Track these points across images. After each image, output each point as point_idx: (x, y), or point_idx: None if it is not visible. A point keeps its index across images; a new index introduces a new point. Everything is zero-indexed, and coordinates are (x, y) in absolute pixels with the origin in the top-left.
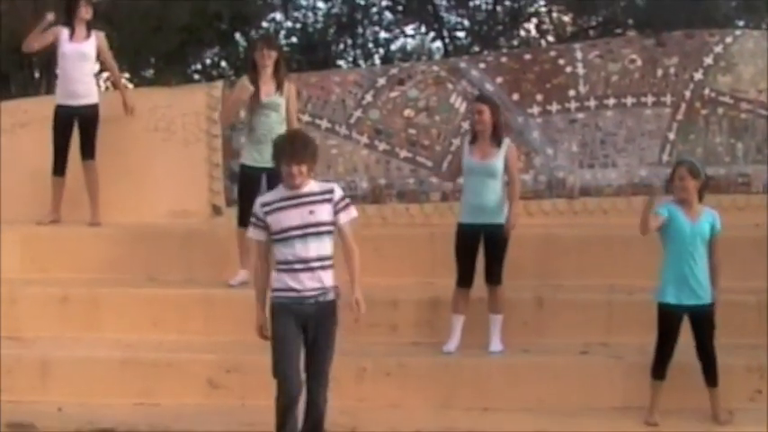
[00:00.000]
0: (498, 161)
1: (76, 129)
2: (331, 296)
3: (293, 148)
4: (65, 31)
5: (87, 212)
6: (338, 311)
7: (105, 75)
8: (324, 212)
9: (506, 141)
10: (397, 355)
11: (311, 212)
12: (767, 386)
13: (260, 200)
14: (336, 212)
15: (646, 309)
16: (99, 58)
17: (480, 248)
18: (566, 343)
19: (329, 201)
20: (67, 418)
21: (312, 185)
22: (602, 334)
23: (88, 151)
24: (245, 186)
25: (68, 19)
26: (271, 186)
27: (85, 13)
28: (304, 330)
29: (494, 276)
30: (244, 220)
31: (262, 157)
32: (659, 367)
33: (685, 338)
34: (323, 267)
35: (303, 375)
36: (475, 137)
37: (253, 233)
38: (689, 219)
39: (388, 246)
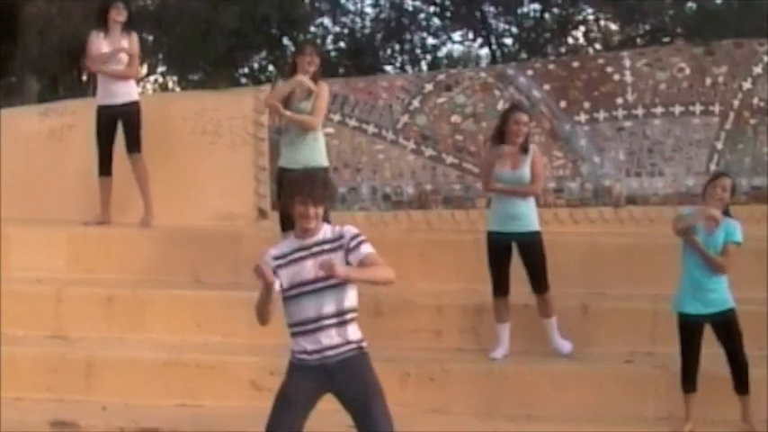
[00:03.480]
0: (527, 168)
1: (120, 128)
2: (356, 350)
3: (313, 186)
4: (100, 35)
5: (134, 215)
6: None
7: (152, 78)
8: (340, 260)
9: (532, 147)
10: (440, 360)
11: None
12: None
13: (271, 252)
14: (348, 254)
15: None
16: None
17: (516, 258)
18: (610, 352)
19: (341, 247)
20: (111, 417)
21: (326, 231)
22: (647, 343)
23: (133, 145)
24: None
25: (103, 22)
26: None
27: (117, 15)
28: (337, 395)
29: (539, 285)
30: (285, 225)
31: (294, 160)
32: (687, 379)
33: (714, 348)
34: (343, 323)
35: None
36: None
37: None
38: (706, 229)
39: (434, 251)
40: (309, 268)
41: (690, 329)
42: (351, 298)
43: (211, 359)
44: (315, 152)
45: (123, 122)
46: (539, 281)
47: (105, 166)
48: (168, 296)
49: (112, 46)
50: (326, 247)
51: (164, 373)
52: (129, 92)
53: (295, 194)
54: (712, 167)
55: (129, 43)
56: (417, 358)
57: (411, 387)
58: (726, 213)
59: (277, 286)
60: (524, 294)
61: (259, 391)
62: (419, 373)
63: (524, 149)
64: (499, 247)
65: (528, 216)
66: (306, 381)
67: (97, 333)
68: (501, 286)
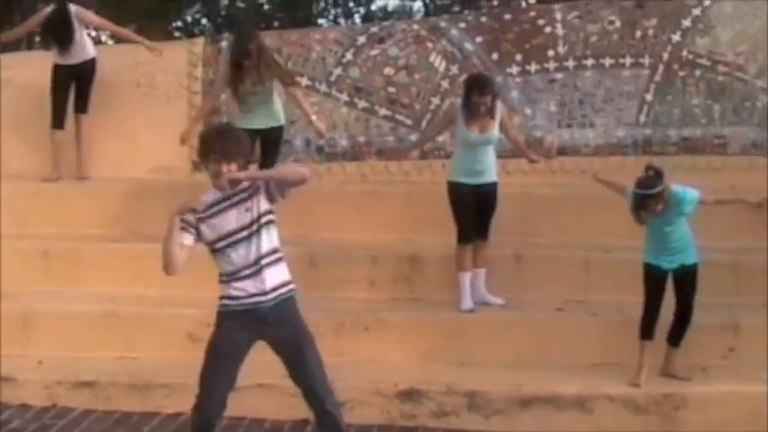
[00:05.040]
0: (495, 130)
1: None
2: (288, 293)
3: (225, 143)
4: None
5: (70, 169)
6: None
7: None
8: (260, 203)
9: (499, 106)
10: (375, 310)
11: (247, 210)
12: (739, 344)
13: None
14: (267, 187)
15: (622, 267)
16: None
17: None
18: (543, 300)
19: (258, 188)
20: (49, 370)
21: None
22: (579, 292)
23: (82, 105)
24: None
25: None
26: (264, 150)
27: None
28: (269, 342)
29: (486, 231)
30: None
31: (253, 122)
32: (647, 327)
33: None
34: (270, 264)
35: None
36: (467, 115)
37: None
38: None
39: (368, 203)
40: (232, 218)
41: (656, 279)
42: (273, 238)
43: (148, 311)
44: (275, 114)
45: (78, 79)
46: (487, 227)
47: (59, 120)
48: (105, 249)
49: None
50: (245, 195)
51: (101, 326)
52: (87, 50)
53: (209, 152)
54: (642, 119)
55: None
56: (352, 308)
57: (346, 337)
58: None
59: (190, 241)
60: (452, 246)
61: (196, 342)
62: (354, 323)
63: (492, 114)
64: (465, 196)
65: (492, 167)
66: (237, 331)
67: (34, 287)
68: (468, 234)
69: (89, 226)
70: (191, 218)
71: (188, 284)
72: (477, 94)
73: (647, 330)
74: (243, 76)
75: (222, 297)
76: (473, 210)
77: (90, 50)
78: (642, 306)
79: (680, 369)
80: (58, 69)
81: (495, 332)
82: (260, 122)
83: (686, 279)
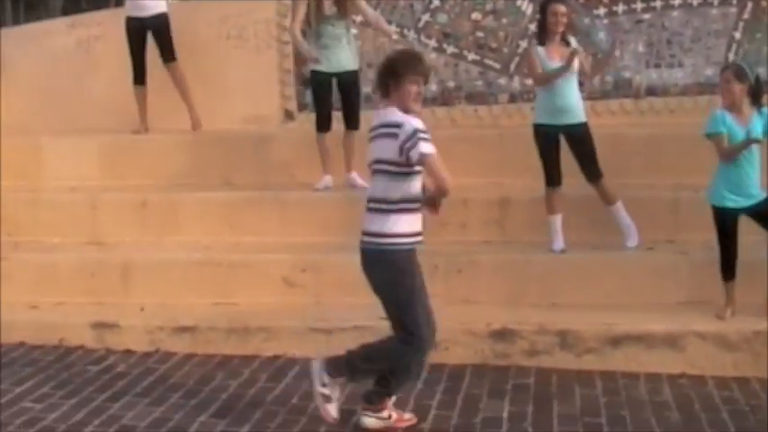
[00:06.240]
0: (575, 60)
1: (151, 39)
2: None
3: (423, 65)
4: None
5: (165, 121)
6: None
7: None
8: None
9: (573, 40)
10: (467, 252)
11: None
12: None
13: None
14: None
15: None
16: None
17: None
18: None
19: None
20: (150, 317)
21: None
22: (668, 231)
23: (168, 55)
24: (318, 92)
25: None
26: (343, 91)
27: None
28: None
29: (594, 173)
30: (321, 126)
31: (330, 63)
32: (726, 267)
33: (750, 237)
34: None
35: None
36: (543, 39)
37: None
38: (740, 124)
39: (458, 147)
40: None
41: (727, 222)
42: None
43: (244, 258)
44: (350, 56)
45: (153, 34)
46: (593, 169)
47: (139, 76)
48: (200, 199)
49: None
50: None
51: (198, 274)
52: (157, 3)
53: (409, 73)
54: (731, 57)
55: None
56: (445, 251)
57: (439, 279)
58: (757, 102)
59: None
60: (540, 189)
61: (291, 287)
62: (447, 266)
63: (566, 42)
64: (549, 139)
65: (576, 107)
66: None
67: (132, 237)
68: (555, 177)
69: (183, 177)
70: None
71: (282, 231)
72: (551, 3)
73: (725, 271)
74: None
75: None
76: (556, 151)
77: (162, 5)
78: (719, 249)
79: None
80: (129, 22)
81: (586, 272)
82: (336, 65)
83: (765, 214)
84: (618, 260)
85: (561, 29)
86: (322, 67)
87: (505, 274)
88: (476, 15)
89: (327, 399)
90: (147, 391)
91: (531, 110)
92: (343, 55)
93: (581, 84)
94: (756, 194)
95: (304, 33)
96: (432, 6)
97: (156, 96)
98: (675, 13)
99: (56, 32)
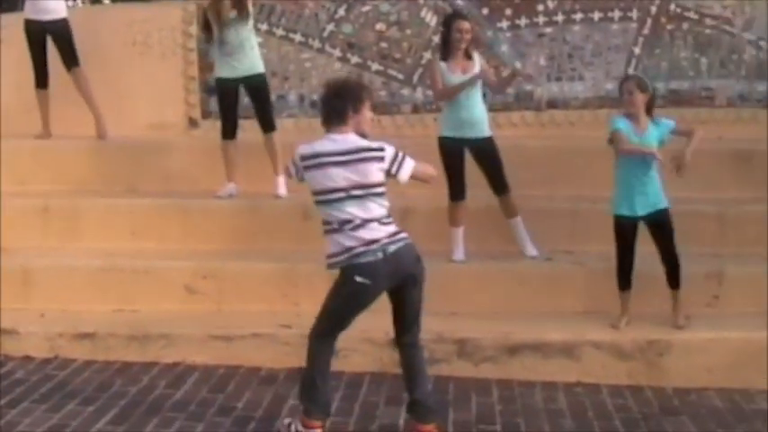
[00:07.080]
0: (477, 68)
1: (52, 44)
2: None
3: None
4: None
5: (68, 126)
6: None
7: None
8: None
9: (476, 54)
10: None
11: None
12: (723, 292)
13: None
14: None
15: (609, 218)
16: None
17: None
18: None
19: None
20: (50, 323)
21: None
22: (566, 242)
23: (70, 61)
24: (224, 99)
25: None
26: (252, 95)
27: None
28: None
29: (501, 186)
30: (226, 133)
31: (236, 69)
32: (623, 277)
33: (647, 248)
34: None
35: None
36: (446, 54)
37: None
38: (637, 132)
39: None
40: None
41: (625, 231)
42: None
43: (146, 265)
44: (254, 60)
45: (54, 39)
46: (500, 182)
47: (41, 80)
48: (102, 205)
49: None
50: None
51: (100, 280)
52: (56, 8)
53: (367, 99)
54: (630, 72)
55: None
56: None
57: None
58: (649, 113)
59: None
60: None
61: (192, 294)
62: None
63: (468, 56)
64: (454, 153)
65: (481, 121)
66: None
67: (33, 243)
68: (459, 191)
69: (86, 183)
70: None
71: (184, 239)
72: (455, 19)
73: (622, 280)
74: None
75: None
76: (461, 165)
77: (62, 10)
78: (616, 258)
79: (680, 315)
80: (28, 25)
81: (485, 282)
82: (241, 71)
83: (662, 224)
84: (516, 270)
85: (465, 45)
86: (227, 74)
87: None
88: (380, 26)
89: None
90: (45, 398)
91: (434, 120)
92: (247, 60)
93: (484, 95)
94: (656, 203)
95: (209, 41)
96: (336, 16)
97: (61, 101)
98: (577, 28)
99: None
